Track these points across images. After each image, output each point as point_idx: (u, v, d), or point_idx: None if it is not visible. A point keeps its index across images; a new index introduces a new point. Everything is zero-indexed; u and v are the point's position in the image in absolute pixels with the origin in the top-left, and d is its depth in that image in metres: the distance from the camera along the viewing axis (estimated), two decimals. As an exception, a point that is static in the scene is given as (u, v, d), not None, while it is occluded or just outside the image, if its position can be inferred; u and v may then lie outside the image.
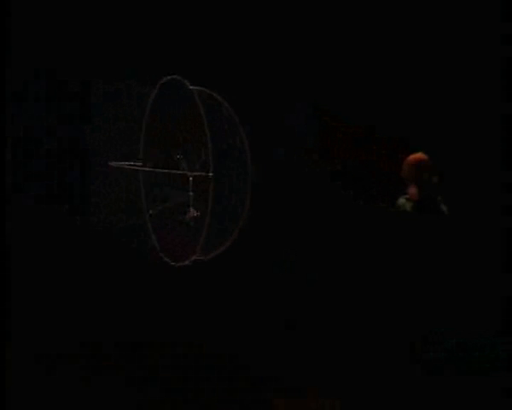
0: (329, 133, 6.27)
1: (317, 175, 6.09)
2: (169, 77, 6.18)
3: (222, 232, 6.17)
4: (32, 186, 6.21)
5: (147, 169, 6.24)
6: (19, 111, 6.13)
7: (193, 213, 6.19)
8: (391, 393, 5.29)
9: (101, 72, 6.21)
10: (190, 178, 6.17)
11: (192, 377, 5.57)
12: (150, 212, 6.22)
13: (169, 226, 6.30)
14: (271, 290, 6.11)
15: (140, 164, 6.25)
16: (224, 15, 6.08)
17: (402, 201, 5.46)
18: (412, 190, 5.35)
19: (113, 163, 6.17)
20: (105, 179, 6.29)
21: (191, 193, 6.21)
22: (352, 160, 6.22)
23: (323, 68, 6.09)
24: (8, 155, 5.87)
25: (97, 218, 6.30)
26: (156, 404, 5.40)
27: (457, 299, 5.55)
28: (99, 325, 5.90)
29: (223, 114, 6.16)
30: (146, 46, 6.19)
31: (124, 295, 6.05)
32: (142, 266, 6.23)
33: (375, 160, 6.16)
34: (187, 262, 6.19)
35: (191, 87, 6.13)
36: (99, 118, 6.26)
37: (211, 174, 6.11)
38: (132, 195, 6.34)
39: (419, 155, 5.39)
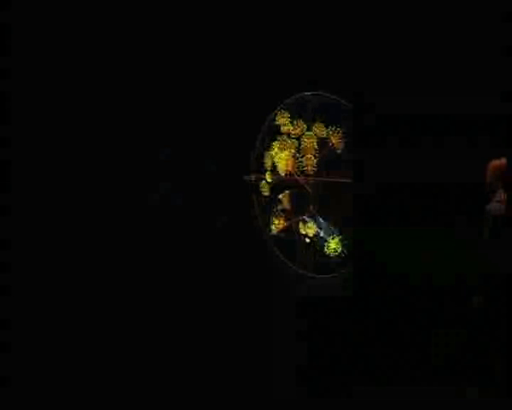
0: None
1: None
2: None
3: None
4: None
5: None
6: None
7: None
8: (391, 392, 5.30)
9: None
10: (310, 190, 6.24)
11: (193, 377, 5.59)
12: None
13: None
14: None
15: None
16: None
17: (494, 205, 5.14)
18: (503, 196, 5.11)
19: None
20: None
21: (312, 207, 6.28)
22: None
23: (324, 69, 6.09)
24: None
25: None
26: (156, 404, 5.41)
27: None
28: (99, 324, 5.90)
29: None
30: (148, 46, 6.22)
31: (122, 295, 6.05)
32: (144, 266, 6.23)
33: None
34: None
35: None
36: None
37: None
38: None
39: (503, 161, 5.15)
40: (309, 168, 6.18)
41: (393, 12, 5.88)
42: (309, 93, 6.20)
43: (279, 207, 6.32)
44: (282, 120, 6.24)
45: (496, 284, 4.83)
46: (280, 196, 6.32)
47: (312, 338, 5.81)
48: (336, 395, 5.41)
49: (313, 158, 6.15)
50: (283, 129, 6.25)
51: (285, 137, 6.23)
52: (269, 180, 6.30)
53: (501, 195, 5.09)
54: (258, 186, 6.36)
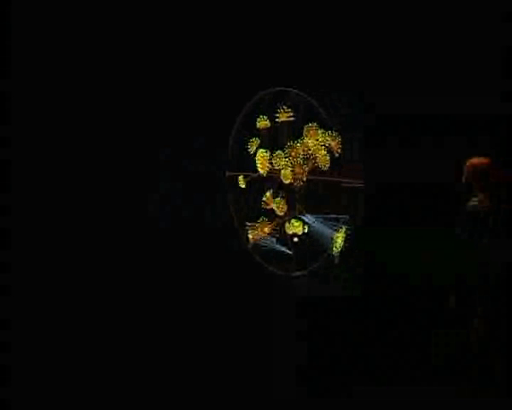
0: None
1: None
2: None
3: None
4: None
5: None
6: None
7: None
8: (391, 392, 5.30)
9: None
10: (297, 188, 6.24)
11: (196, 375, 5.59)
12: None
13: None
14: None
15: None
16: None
17: (473, 204, 5.00)
18: (481, 198, 4.96)
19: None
20: None
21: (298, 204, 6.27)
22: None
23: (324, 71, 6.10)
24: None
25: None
26: (157, 404, 5.41)
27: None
28: (99, 324, 5.91)
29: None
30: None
31: (122, 295, 6.06)
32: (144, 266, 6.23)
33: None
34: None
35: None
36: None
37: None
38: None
39: (484, 160, 4.99)
40: (323, 166, 6.13)
41: (393, 12, 5.88)
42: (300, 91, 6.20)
43: (262, 210, 6.29)
44: (284, 117, 6.23)
45: (495, 283, 4.83)
46: (265, 198, 6.29)
47: (312, 338, 5.81)
48: (336, 395, 5.41)
49: (327, 156, 6.12)
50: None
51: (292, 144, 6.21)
52: (243, 186, 6.29)
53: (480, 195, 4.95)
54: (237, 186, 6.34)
